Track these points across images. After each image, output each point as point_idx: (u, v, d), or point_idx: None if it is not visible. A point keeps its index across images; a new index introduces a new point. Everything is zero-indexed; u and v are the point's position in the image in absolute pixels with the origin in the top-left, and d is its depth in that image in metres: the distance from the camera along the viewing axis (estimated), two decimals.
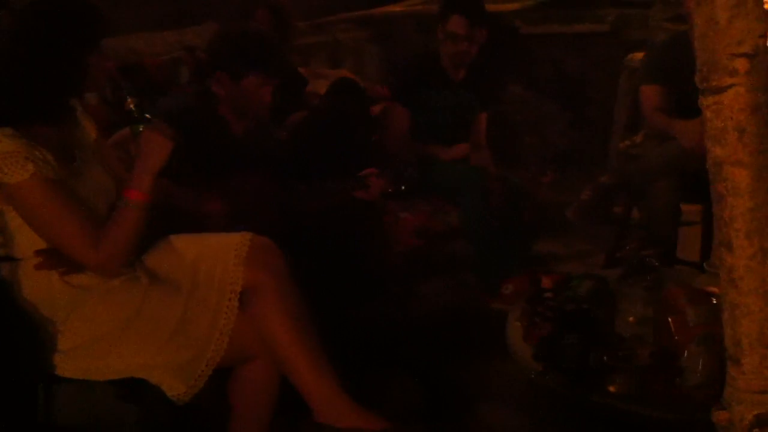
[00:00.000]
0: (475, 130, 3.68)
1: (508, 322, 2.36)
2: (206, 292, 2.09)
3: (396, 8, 5.29)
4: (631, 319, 2.25)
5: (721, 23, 1.08)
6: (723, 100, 1.10)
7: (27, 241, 2.03)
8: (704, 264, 2.39)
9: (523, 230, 3.41)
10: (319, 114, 3.49)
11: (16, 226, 2.02)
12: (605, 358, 2.08)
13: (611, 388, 2.02)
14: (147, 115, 2.10)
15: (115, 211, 2.03)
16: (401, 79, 3.61)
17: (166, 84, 4.10)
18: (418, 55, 3.80)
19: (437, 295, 3.20)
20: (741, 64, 1.08)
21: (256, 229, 2.22)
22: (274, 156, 2.96)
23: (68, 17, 2.06)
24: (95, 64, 2.10)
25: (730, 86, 1.09)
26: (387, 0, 5.42)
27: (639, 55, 3.74)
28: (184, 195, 2.45)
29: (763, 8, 1.09)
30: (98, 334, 2.02)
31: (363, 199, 3.08)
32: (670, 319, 2.12)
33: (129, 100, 2.09)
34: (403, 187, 3.10)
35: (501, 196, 3.37)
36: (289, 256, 2.24)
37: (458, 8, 3.47)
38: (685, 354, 2.00)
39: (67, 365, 2.03)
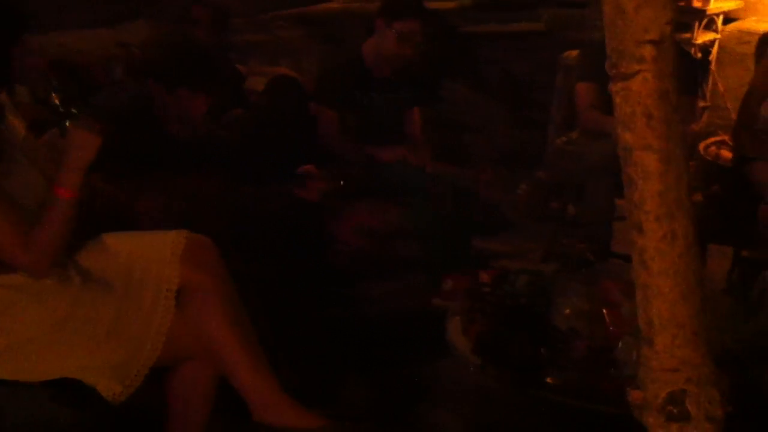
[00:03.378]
0: (409, 127, 3.67)
1: (448, 318, 2.38)
2: (141, 291, 2.06)
3: (334, 5, 5.28)
4: (567, 311, 2.29)
5: (628, 11, 1.09)
6: (631, 86, 1.12)
7: None
8: None
9: (467, 229, 3.43)
10: (257, 111, 3.47)
11: None
12: (543, 350, 2.11)
13: (549, 381, 2.04)
14: (73, 110, 2.05)
15: (44, 209, 1.99)
16: (325, 83, 3.57)
17: (99, 81, 4.03)
18: (340, 56, 3.75)
19: (385, 295, 3.20)
20: (648, 51, 1.10)
21: (196, 230, 2.19)
22: (213, 155, 2.94)
23: None
24: (18, 58, 2.06)
25: (638, 72, 1.11)
26: None
27: (574, 54, 3.80)
28: (116, 192, 2.41)
29: None
30: (30, 335, 1.98)
31: (305, 198, 3.07)
32: (605, 312, 2.16)
33: (54, 95, 2.05)
34: (342, 183, 3.10)
35: (442, 195, 3.38)
36: (226, 255, 2.22)
37: (411, 11, 3.44)
38: (620, 345, 2.04)
39: (0, 367, 1.97)
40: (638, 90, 1.11)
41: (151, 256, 2.09)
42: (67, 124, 2.04)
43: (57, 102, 2.05)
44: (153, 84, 2.77)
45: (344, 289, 3.07)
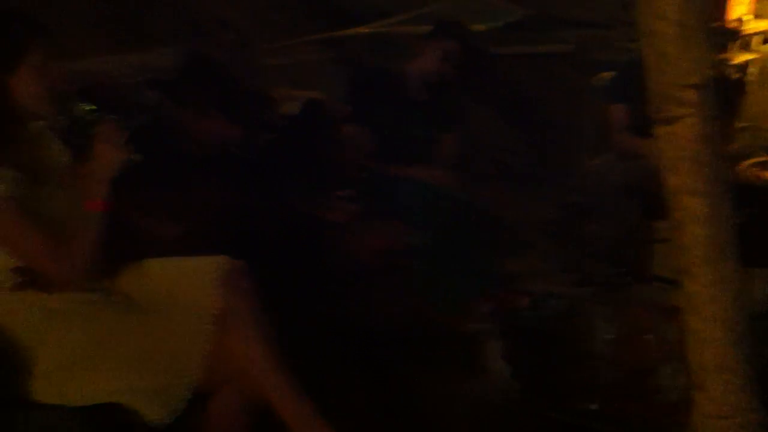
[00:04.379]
0: (440, 150, 3.71)
1: (485, 342, 2.38)
2: (183, 317, 2.08)
3: (363, 29, 5.33)
4: (606, 337, 2.28)
5: (670, 55, 1.10)
6: (676, 131, 1.12)
7: (3, 265, 2.01)
8: None
9: (487, 250, 3.43)
10: (288, 136, 3.50)
11: None
12: (583, 376, 2.10)
13: (588, 407, 2.04)
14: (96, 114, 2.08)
15: (80, 222, 2.03)
16: (361, 98, 3.63)
17: (128, 105, 4.07)
18: (379, 74, 3.81)
19: (399, 315, 3.20)
20: (691, 95, 1.10)
21: (220, 251, 2.21)
22: (242, 178, 2.97)
23: None
24: (18, 85, 2.03)
25: (682, 117, 1.11)
26: (351, 22, 5.45)
27: (607, 75, 3.81)
28: (143, 219, 2.45)
29: (711, 40, 1.11)
30: (74, 359, 2.00)
31: (332, 220, 3.10)
32: (640, 337, 2.15)
33: (80, 105, 2.07)
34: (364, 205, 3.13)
35: (463, 216, 3.40)
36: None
37: (456, 33, 3.53)
38: (663, 372, 2.03)
39: (42, 390, 2.00)
40: (683, 134, 1.11)
41: (192, 281, 2.12)
42: (89, 117, 2.07)
43: (84, 110, 2.08)
44: (182, 109, 2.80)
45: (364, 309, 3.08)
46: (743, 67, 4.31)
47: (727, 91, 3.70)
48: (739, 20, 4.11)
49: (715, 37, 3.42)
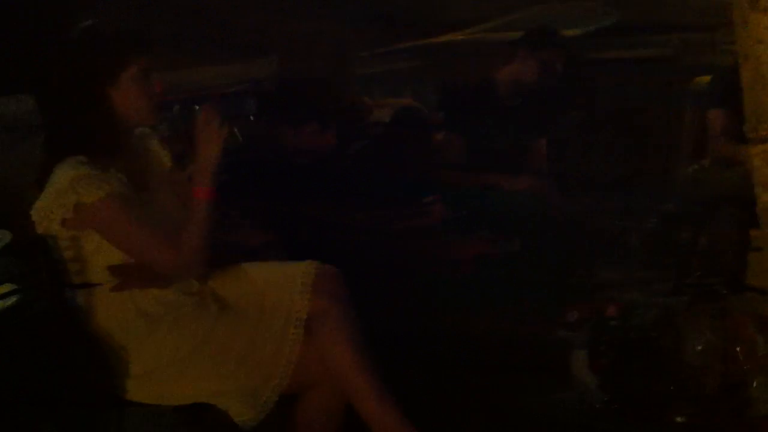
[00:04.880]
0: (534, 157, 3.69)
1: (573, 351, 2.35)
2: (273, 319, 2.12)
3: (457, 36, 5.34)
4: (698, 347, 2.22)
5: (767, 78, 1.09)
6: None
7: (101, 267, 2.10)
8: None
9: (576, 258, 3.39)
10: (382, 143, 3.55)
11: (90, 251, 2.09)
12: (672, 387, 2.06)
13: (678, 419, 1.99)
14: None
15: (188, 213, 2.09)
16: (452, 106, 3.65)
17: (230, 116, 4.18)
18: (470, 81, 3.82)
19: (495, 323, 3.19)
20: None
21: (311, 257, 2.25)
22: (336, 185, 3.02)
23: (78, 52, 2.11)
24: (119, 95, 2.11)
25: None
26: (444, 29, 5.47)
27: (705, 79, 3.71)
28: (237, 225, 2.52)
29: None
30: (169, 360, 2.08)
31: (425, 225, 3.12)
32: (738, 348, 2.09)
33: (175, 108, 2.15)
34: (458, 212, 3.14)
35: (553, 223, 3.37)
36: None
37: (556, 41, 3.52)
38: (754, 384, 1.97)
39: (138, 390, 2.08)
40: None
41: (283, 285, 2.16)
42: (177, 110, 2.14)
43: (183, 112, 2.15)
44: (281, 118, 2.88)
45: (459, 316, 3.08)
46: None
47: None
48: None
49: None
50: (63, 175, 2.02)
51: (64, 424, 1.98)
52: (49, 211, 2.04)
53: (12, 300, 1.86)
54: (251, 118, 4.07)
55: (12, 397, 1.85)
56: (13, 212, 2.17)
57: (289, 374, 2.07)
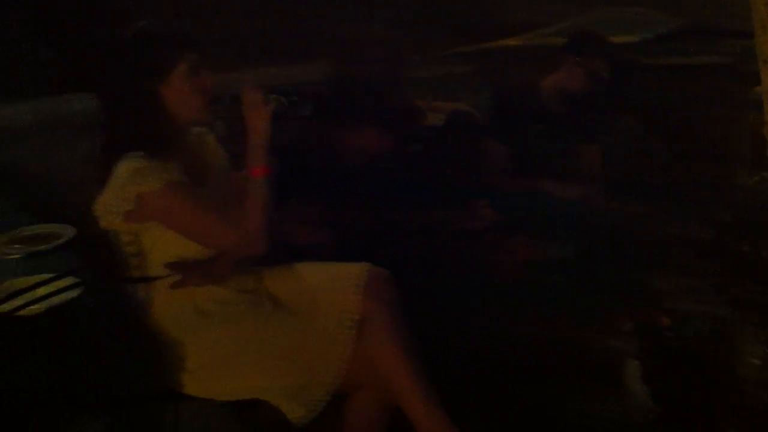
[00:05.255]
0: (586, 163, 3.66)
1: (626, 361, 2.33)
2: (325, 320, 2.15)
3: (511, 42, 5.32)
4: (754, 361, 2.19)
5: None
6: None
7: (161, 261, 2.15)
8: None
9: (630, 265, 3.35)
10: (435, 146, 3.55)
11: (150, 245, 2.14)
12: (725, 400, 2.03)
13: None
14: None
15: (247, 191, 2.13)
16: (501, 111, 3.64)
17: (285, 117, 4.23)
18: (515, 89, 3.81)
19: (541, 328, 3.17)
20: None
21: (364, 259, 2.27)
22: (389, 187, 3.04)
23: (130, 51, 2.17)
24: (170, 93, 2.15)
25: None
26: (498, 34, 5.46)
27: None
28: (292, 228, 2.55)
29: None
30: (222, 356, 2.12)
31: (472, 229, 3.12)
32: None
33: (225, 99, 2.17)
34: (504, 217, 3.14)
35: (605, 230, 3.34)
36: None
37: (597, 47, 3.50)
38: None
39: (193, 384, 2.13)
40: None
41: (336, 286, 2.18)
42: (228, 99, 2.16)
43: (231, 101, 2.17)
44: (334, 120, 2.90)
45: (502, 321, 3.07)
46: None
47: None
48: None
49: None
50: (123, 169, 2.08)
51: (120, 416, 2.03)
52: (111, 205, 2.09)
53: (73, 293, 1.91)
54: (307, 119, 4.13)
55: (70, 387, 1.90)
56: (78, 209, 2.23)
57: (341, 374, 2.09)
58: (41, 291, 1.87)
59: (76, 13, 3.61)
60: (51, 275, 1.91)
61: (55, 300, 1.88)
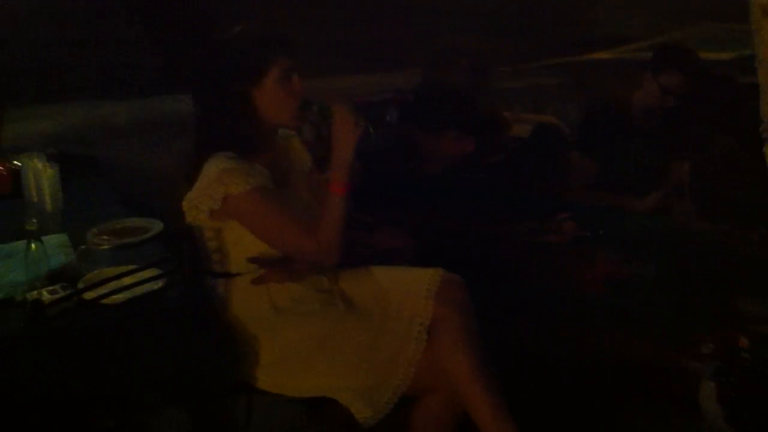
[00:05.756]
0: (675, 179, 3.58)
1: (702, 382, 2.29)
2: (397, 323, 2.18)
3: (603, 55, 5.25)
4: None
5: None
6: None
7: (241, 258, 2.22)
8: None
9: (713, 286, 3.27)
10: (519, 157, 3.55)
11: (232, 242, 2.21)
12: None
13: None
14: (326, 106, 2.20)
15: (324, 205, 2.18)
16: (589, 125, 3.60)
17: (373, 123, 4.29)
18: (605, 104, 3.75)
19: (621, 346, 3.12)
20: None
21: (440, 265, 2.29)
22: (471, 196, 3.06)
23: (224, 55, 2.23)
24: (263, 96, 2.20)
25: None
26: (589, 47, 5.40)
27: None
28: (373, 233, 2.59)
29: None
30: (295, 353, 2.17)
31: (554, 242, 3.11)
32: None
33: (316, 106, 2.21)
34: (589, 232, 3.10)
35: (696, 249, 3.26)
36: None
37: (676, 63, 3.42)
38: None
39: (266, 379, 2.19)
40: None
41: (408, 290, 2.22)
42: (315, 108, 2.20)
43: (320, 109, 2.22)
44: (420, 126, 2.94)
45: (578, 337, 3.03)
46: None
47: None
48: None
49: None
50: (212, 168, 2.15)
51: (196, 407, 2.10)
52: (198, 202, 2.17)
53: (158, 284, 1.99)
54: (393, 125, 4.17)
55: (150, 378, 1.97)
56: (167, 204, 2.32)
57: (410, 377, 2.12)
58: (127, 281, 1.95)
59: (174, 18, 3.75)
60: (137, 266, 1.99)
61: (140, 290, 1.95)
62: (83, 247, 2.21)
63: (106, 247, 2.22)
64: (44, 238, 2.08)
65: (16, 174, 2.74)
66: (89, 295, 1.91)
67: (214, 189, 2.13)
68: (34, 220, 2.02)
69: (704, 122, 3.76)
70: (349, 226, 2.21)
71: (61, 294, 1.93)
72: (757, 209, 4.11)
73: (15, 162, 2.78)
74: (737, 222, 3.79)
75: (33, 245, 1.99)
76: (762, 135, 1.14)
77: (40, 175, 2.59)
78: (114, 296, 1.92)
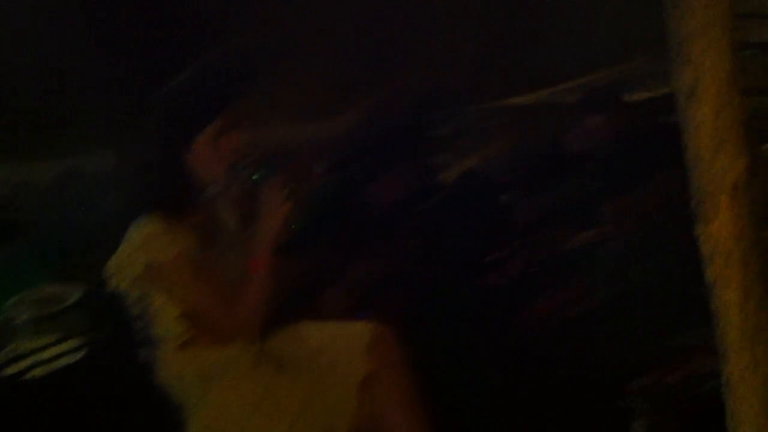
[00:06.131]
0: (602, 215, 3.66)
1: (634, 418, 2.30)
2: (330, 380, 2.16)
3: (529, 98, 5.36)
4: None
5: (705, 159, 1.21)
6: (711, 230, 1.24)
7: (167, 325, 2.16)
8: None
9: (664, 320, 3.32)
10: (447, 203, 3.58)
11: (157, 309, 2.16)
12: None
13: None
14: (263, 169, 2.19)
15: (246, 279, 2.14)
16: (526, 169, 3.67)
17: (303, 173, 4.28)
18: (541, 145, 3.84)
19: (572, 381, 3.14)
20: (725, 198, 1.22)
21: (378, 314, 2.28)
22: (405, 242, 3.06)
23: (156, 114, 2.20)
24: (194, 155, 2.17)
25: (717, 217, 1.23)
26: (520, 90, 5.50)
27: None
28: (308, 281, 2.57)
29: (744, 145, 1.19)
30: (226, 418, 2.12)
31: (495, 285, 3.13)
32: None
33: (250, 165, 2.20)
34: (530, 270, 3.13)
35: (635, 284, 3.32)
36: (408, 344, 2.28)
37: (604, 107, 3.53)
38: None
39: None
40: (717, 232, 1.24)
41: (340, 346, 2.20)
42: (255, 177, 2.17)
43: (254, 174, 2.19)
44: (353, 171, 2.94)
45: (532, 374, 3.05)
46: None
47: None
48: None
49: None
50: (135, 234, 2.11)
51: None
52: (121, 268, 2.12)
53: (80, 354, 1.93)
54: (322, 174, 4.17)
55: None
56: (91, 269, 2.27)
57: None
58: (47, 354, 1.89)
59: (98, 72, 3.70)
60: (58, 337, 1.94)
61: (62, 362, 1.90)
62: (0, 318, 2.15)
63: (25, 317, 2.16)
64: None
65: None
66: (8, 372, 1.84)
67: (137, 256, 2.10)
68: None
69: (632, 162, 3.85)
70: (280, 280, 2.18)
71: None
72: (684, 246, 4.20)
73: None
74: (666, 258, 3.88)
75: None
76: (692, 213, 1.21)
77: None
78: (35, 370, 1.86)
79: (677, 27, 1.15)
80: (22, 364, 1.85)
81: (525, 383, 3.01)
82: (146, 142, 2.19)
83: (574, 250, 3.51)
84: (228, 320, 2.12)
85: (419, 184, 3.58)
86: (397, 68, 4.30)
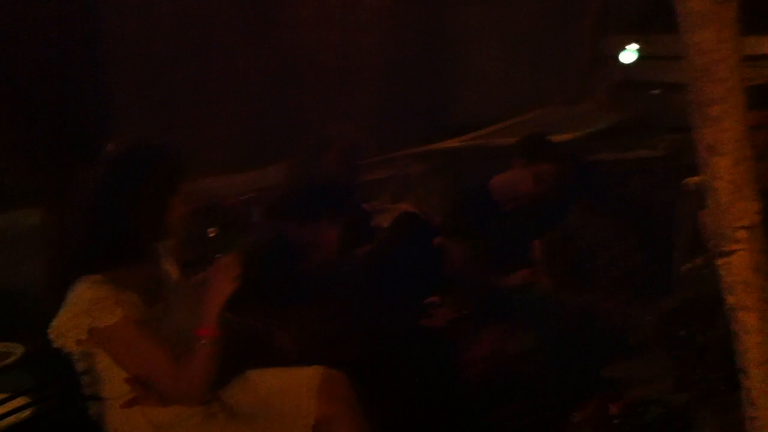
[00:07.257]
0: (533, 257, 3.76)
1: None
2: (281, 426, 2.17)
3: (455, 143, 5.49)
4: None
5: (723, 203, 1.39)
6: (731, 262, 1.41)
7: (114, 382, 2.14)
8: None
9: (595, 354, 3.40)
10: (382, 248, 3.62)
11: (103, 367, 2.13)
12: None
13: None
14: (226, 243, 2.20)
15: (190, 347, 2.13)
16: (456, 213, 3.75)
17: (239, 224, 4.27)
18: (469, 189, 3.94)
19: (512, 421, 3.18)
20: (742, 235, 1.39)
21: (325, 359, 2.30)
22: (343, 289, 3.09)
23: (150, 166, 2.18)
24: (173, 207, 2.18)
25: (736, 251, 1.40)
26: (448, 134, 5.63)
27: (696, 179, 3.78)
28: (255, 331, 2.57)
29: (756, 189, 1.39)
30: None
31: (431, 327, 3.16)
32: None
33: (211, 229, 2.20)
34: (467, 311, 3.18)
35: (568, 321, 3.40)
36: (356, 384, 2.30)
37: (551, 156, 3.67)
38: None
39: None
40: (737, 264, 1.40)
41: (289, 391, 2.21)
42: (218, 257, 2.17)
43: (213, 235, 2.19)
44: (288, 220, 2.97)
45: (474, 415, 3.08)
46: None
47: None
48: None
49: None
50: (80, 296, 2.07)
51: None
52: (64, 330, 2.08)
53: (25, 413, 1.89)
54: (260, 223, 4.17)
55: None
56: (32, 325, 2.22)
57: None
58: None
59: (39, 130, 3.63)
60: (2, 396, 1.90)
61: (7, 421, 1.86)
62: None
63: None
64: None
65: None
66: None
67: (81, 320, 2.06)
68: None
69: (556, 201, 3.97)
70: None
71: None
72: (618, 277, 4.33)
73: None
74: (601, 291, 3.98)
75: None
76: (712, 250, 1.39)
77: None
78: None
79: (700, 93, 1.36)
80: None
81: (472, 420, 3.05)
82: (88, 199, 2.16)
83: (509, 288, 3.59)
84: (174, 385, 2.10)
85: (354, 230, 3.62)
86: (324, 118, 4.38)
